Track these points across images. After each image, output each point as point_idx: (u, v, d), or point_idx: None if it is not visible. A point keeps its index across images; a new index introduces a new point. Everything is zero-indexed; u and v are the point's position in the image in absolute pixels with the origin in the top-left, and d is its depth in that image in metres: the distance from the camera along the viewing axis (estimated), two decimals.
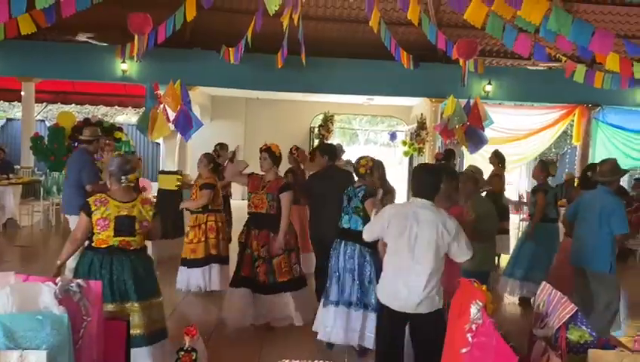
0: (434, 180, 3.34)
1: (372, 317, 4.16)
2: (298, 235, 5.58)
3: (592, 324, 4.31)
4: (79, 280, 2.10)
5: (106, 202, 3.26)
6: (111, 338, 2.27)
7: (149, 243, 3.50)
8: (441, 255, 3.18)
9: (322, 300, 4.50)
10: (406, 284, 3.14)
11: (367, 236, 3.54)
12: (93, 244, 3.25)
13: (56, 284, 2.05)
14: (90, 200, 3.29)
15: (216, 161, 6.33)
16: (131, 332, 2.73)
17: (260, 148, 4.89)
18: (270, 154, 4.82)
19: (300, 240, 5.81)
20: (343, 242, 4.39)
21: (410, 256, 3.15)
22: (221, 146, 7.31)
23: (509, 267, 6.22)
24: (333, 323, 4.34)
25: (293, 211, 5.77)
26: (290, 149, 6.81)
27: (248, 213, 4.88)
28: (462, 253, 3.21)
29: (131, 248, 3.28)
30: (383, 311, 3.38)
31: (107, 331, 2.22)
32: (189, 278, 5.83)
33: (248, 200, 4.88)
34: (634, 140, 12.40)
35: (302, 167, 6.82)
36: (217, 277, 5.80)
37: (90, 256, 3.24)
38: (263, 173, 4.88)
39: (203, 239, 5.79)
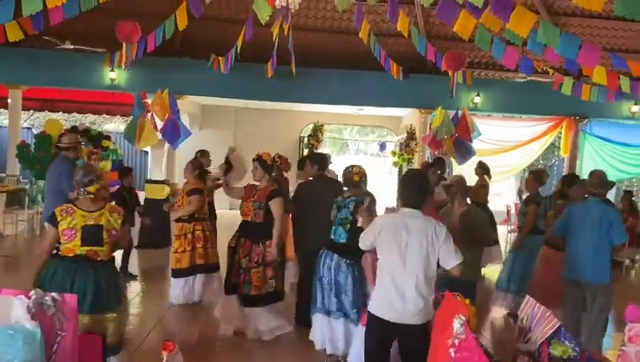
0: (421, 188, 3.35)
1: (352, 328, 4.20)
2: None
3: (586, 331, 4.38)
4: (54, 294, 2.05)
5: (72, 212, 3.23)
6: (86, 354, 2.22)
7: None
8: (433, 263, 3.16)
9: (312, 309, 4.53)
10: (401, 295, 3.12)
11: (362, 245, 3.48)
12: (59, 253, 3.22)
13: (29, 298, 2.00)
14: (57, 210, 3.26)
15: (203, 167, 6.27)
16: None
17: (253, 158, 4.95)
18: (261, 163, 4.89)
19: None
20: (326, 252, 4.45)
21: (403, 266, 3.13)
22: (202, 153, 7.23)
23: (503, 281, 6.19)
24: (320, 332, 4.40)
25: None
26: (273, 158, 6.76)
27: (241, 221, 4.95)
28: (451, 259, 3.18)
29: (98, 258, 3.25)
30: (371, 323, 3.31)
31: (82, 346, 2.16)
32: (177, 289, 5.75)
33: (240, 208, 4.96)
34: (620, 153, 12.52)
35: (285, 175, 6.80)
36: (201, 288, 5.74)
37: (55, 263, 3.21)
38: (257, 183, 4.96)
39: (189, 249, 5.71)
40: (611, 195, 11.88)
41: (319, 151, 12.84)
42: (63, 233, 3.19)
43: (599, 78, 6.91)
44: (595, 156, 12.55)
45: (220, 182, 5.92)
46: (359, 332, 3.99)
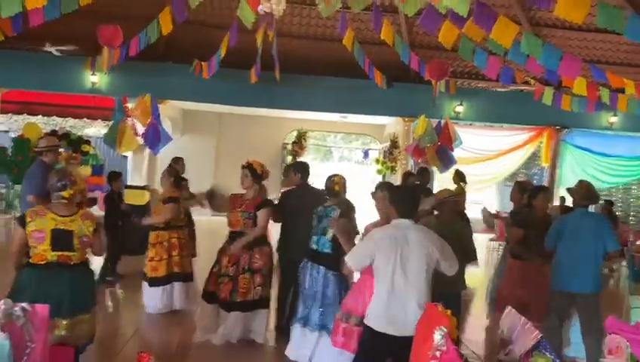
0: (415, 200, 3.44)
1: (326, 340, 4.18)
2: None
3: (589, 349, 4.37)
4: (24, 304, 1.98)
5: (43, 214, 3.20)
6: None
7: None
8: (431, 274, 3.20)
9: (292, 320, 4.53)
10: (403, 308, 3.12)
11: (355, 264, 3.36)
12: (31, 261, 3.18)
13: None
14: (27, 212, 3.23)
15: (178, 175, 6.18)
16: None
17: (242, 165, 4.88)
18: (252, 171, 4.82)
19: None
20: (310, 263, 4.41)
21: (404, 278, 3.13)
22: (176, 161, 7.15)
23: (491, 292, 6.17)
24: (297, 343, 4.40)
25: None
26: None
27: (229, 232, 4.89)
28: (452, 267, 3.27)
29: (71, 263, 3.22)
30: (369, 338, 3.27)
31: (53, 357, 2.09)
32: (155, 298, 5.65)
33: (228, 219, 4.90)
34: (600, 163, 12.71)
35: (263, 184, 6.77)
36: (180, 296, 5.67)
37: (28, 274, 3.17)
38: (243, 192, 4.88)
39: (165, 257, 5.62)
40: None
41: (302, 159, 12.81)
42: (32, 235, 3.15)
43: (579, 89, 7.02)
44: (575, 166, 12.72)
45: (202, 202, 5.85)
46: (328, 343, 4.08)
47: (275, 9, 6.14)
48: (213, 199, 5.37)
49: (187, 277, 5.78)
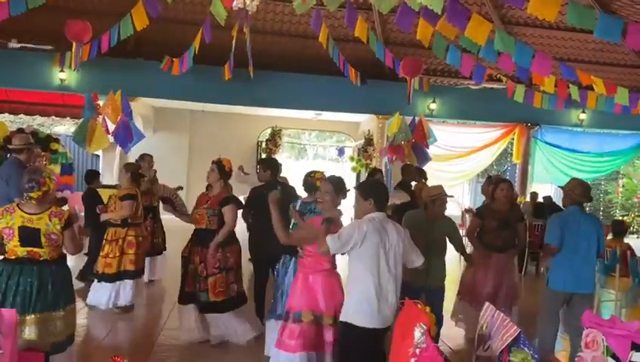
0: (387, 194, 3.59)
1: None
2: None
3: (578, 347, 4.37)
4: None
5: (13, 211, 3.31)
6: None
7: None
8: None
9: (267, 316, 4.54)
10: (385, 299, 3.16)
11: (336, 247, 3.20)
12: (6, 256, 3.32)
13: None
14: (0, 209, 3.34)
15: (137, 170, 6.07)
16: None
17: (212, 161, 4.89)
18: (219, 168, 4.81)
19: None
20: (290, 258, 4.39)
21: (388, 270, 3.20)
22: (141, 157, 7.06)
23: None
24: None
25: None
26: (239, 167, 6.68)
27: (194, 229, 4.86)
28: (418, 258, 3.42)
29: (41, 258, 3.30)
30: (357, 336, 3.19)
31: None
32: (101, 294, 5.58)
33: (192, 216, 4.90)
34: (569, 159, 12.97)
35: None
36: (128, 293, 5.61)
37: (1, 266, 3.29)
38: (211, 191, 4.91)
39: (119, 254, 5.55)
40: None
41: (276, 157, 12.73)
42: (3, 231, 3.29)
43: (549, 87, 7.13)
44: (545, 162, 12.96)
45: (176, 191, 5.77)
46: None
47: (248, 5, 6.08)
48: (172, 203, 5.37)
49: (138, 273, 5.74)
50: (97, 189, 6.95)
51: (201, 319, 4.75)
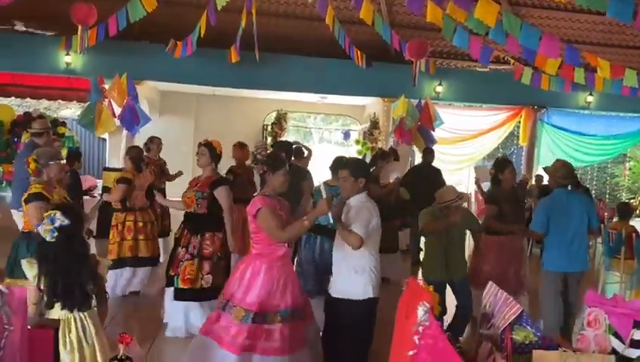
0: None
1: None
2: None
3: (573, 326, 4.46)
4: (1, 287, 1.94)
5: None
6: (37, 349, 2.12)
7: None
8: None
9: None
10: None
11: (365, 236, 3.28)
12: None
13: None
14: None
15: (141, 156, 6.05)
16: None
17: (199, 143, 4.72)
18: (210, 150, 4.61)
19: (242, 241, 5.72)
20: (313, 236, 4.66)
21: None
22: (150, 140, 7.04)
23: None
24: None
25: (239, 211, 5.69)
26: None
27: (184, 213, 4.75)
28: None
29: None
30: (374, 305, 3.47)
31: (33, 341, 2.06)
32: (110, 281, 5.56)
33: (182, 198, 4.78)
34: (576, 142, 12.89)
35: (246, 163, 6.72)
36: (126, 282, 5.57)
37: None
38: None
39: (118, 240, 5.48)
40: None
41: (284, 139, 12.73)
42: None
43: (552, 70, 7.05)
44: (552, 145, 12.89)
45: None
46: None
47: None
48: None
49: (140, 261, 5.60)
50: (103, 172, 7.01)
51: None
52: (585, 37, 11.45)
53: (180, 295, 4.49)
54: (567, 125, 12.83)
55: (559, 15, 10.95)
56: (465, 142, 13.23)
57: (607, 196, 15.50)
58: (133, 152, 5.89)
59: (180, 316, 4.56)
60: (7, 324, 1.93)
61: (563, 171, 4.50)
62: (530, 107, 12.59)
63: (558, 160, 4.77)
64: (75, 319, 2.45)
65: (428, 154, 8.28)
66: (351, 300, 3.36)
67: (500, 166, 5.35)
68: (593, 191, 13.77)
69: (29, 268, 2.46)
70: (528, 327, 2.22)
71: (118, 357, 2.06)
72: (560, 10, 10.78)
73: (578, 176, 13.77)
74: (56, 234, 2.41)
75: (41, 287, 2.44)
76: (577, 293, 4.51)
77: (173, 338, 4.56)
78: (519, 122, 13.01)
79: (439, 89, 11.93)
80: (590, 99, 12.34)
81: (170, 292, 4.59)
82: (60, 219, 2.42)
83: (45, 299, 2.41)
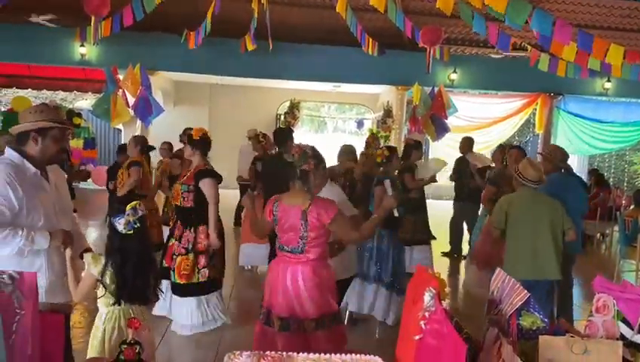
0: None
1: (383, 292, 4.68)
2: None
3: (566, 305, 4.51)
4: (12, 272, 1.98)
5: None
6: (48, 333, 2.16)
7: None
8: None
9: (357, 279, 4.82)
10: None
11: None
12: None
13: None
14: None
15: (146, 143, 6.11)
16: None
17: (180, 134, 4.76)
18: (188, 138, 4.50)
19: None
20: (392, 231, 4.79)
21: None
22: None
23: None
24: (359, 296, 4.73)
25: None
26: (257, 136, 6.69)
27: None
28: None
29: None
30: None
31: (44, 325, 2.10)
32: None
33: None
34: (593, 129, 12.70)
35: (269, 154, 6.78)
36: None
37: None
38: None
39: None
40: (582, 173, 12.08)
41: (295, 130, 12.75)
42: None
43: (569, 55, 6.92)
44: (568, 132, 12.71)
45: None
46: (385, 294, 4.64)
47: None
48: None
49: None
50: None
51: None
52: (603, 21, 11.22)
53: (177, 289, 4.44)
54: (585, 112, 12.63)
55: (575, 0, 10.74)
56: (480, 130, 13.08)
57: (625, 184, 15.27)
58: (140, 140, 5.97)
59: (183, 313, 4.49)
60: (19, 308, 1.97)
61: (559, 154, 4.64)
62: (546, 94, 12.42)
63: (551, 144, 4.86)
64: (122, 311, 2.49)
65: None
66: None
67: (509, 150, 5.47)
68: (611, 179, 13.59)
69: (95, 263, 2.47)
70: (535, 313, 2.21)
71: (127, 341, 2.10)
72: None
73: (595, 163, 13.70)
74: (137, 225, 2.42)
75: (106, 281, 2.46)
76: (570, 274, 4.72)
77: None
78: (535, 109, 12.85)
79: (454, 76, 11.82)
80: (608, 85, 12.12)
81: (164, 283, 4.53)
82: (142, 210, 2.45)
83: (110, 291, 2.45)
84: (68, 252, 2.59)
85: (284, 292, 3.07)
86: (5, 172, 2.47)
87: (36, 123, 2.57)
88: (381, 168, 4.99)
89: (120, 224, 2.43)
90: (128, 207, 2.46)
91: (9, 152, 2.60)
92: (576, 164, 12.53)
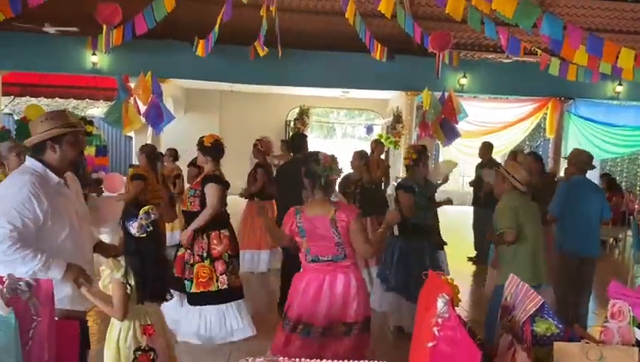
0: None
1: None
2: (263, 232, 5.77)
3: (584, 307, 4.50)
4: (29, 279, 2.00)
5: None
6: (63, 339, 2.18)
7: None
8: None
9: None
10: None
11: None
12: None
13: (2, 283, 1.95)
14: None
15: (154, 152, 6.17)
16: None
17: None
18: (199, 145, 4.50)
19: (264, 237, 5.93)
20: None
21: None
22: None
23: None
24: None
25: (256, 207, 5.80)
26: (255, 144, 6.67)
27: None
28: None
29: None
30: None
31: (59, 331, 2.13)
32: None
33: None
34: (605, 133, 12.59)
35: (267, 159, 6.79)
36: None
37: None
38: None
39: None
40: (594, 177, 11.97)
41: (304, 134, 12.77)
42: None
43: (581, 60, 6.89)
44: (579, 136, 12.62)
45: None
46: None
47: None
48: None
49: None
50: (129, 169, 7.13)
51: (183, 309, 4.43)
52: (614, 25, 11.16)
53: (194, 300, 4.35)
54: (596, 116, 12.53)
55: (586, 3, 10.70)
56: (491, 135, 13.01)
57: (637, 188, 15.11)
58: (147, 149, 5.99)
59: (195, 320, 4.40)
60: (35, 315, 1.99)
61: (583, 158, 4.66)
62: (556, 98, 12.35)
63: (574, 148, 4.87)
64: (138, 316, 2.50)
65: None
66: None
67: (516, 155, 5.49)
68: (623, 183, 13.46)
69: (117, 268, 2.48)
70: (550, 319, 2.19)
71: (142, 347, 2.11)
72: None
73: (607, 167, 13.58)
74: (150, 229, 2.45)
75: (131, 283, 2.47)
76: (590, 280, 4.71)
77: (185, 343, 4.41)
78: (546, 114, 12.78)
79: (463, 81, 11.80)
80: (619, 89, 12.04)
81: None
82: (155, 214, 2.48)
83: (135, 293, 2.45)
84: (83, 289, 2.55)
85: (328, 301, 3.07)
86: (30, 183, 2.46)
87: (49, 131, 2.57)
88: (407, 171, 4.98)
89: (133, 228, 2.46)
90: (141, 211, 2.49)
91: (32, 162, 2.60)
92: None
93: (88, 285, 2.53)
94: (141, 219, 2.46)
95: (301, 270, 3.25)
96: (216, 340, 4.41)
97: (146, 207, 2.50)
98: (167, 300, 2.62)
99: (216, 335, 4.41)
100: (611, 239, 9.54)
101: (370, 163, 6.48)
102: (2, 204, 2.43)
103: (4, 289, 1.94)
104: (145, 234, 2.46)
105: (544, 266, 3.95)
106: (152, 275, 2.47)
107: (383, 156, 7.71)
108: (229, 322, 4.42)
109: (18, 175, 2.56)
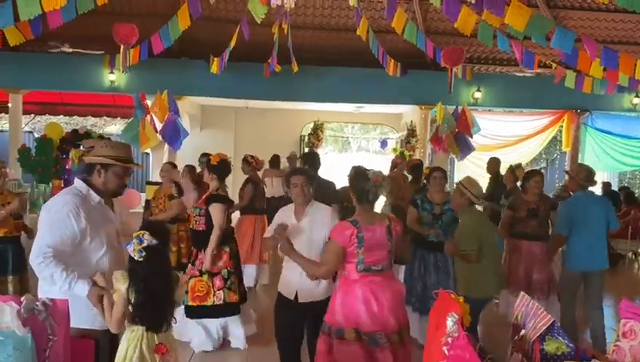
0: None
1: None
2: (251, 246, 5.84)
3: (598, 320, 4.43)
4: (45, 299, 2.05)
5: None
6: (78, 358, 2.22)
7: None
8: None
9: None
10: None
11: None
12: None
13: (20, 303, 2.01)
14: None
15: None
16: None
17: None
18: (206, 163, 4.61)
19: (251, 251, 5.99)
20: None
21: None
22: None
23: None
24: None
25: (247, 222, 5.98)
26: (245, 158, 6.55)
27: None
28: None
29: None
30: None
31: (74, 350, 2.17)
32: None
33: None
34: (622, 145, 12.45)
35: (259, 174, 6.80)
36: None
37: None
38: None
39: (174, 249, 5.78)
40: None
41: (320, 150, 12.83)
42: None
43: (596, 72, 6.87)
44: (596, 149, 12.49)
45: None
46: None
47: (286, 1, 6.15)
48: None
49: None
50: (146, 186, 7.21)
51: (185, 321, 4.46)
52: (629, 37, 11.10)
53: (189, 312, 4.43)
54: (613, 128, 12.41)
55: (600, 16, 10.66)
56: (506, 149, 12.96)
57: None
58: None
59: (197, 329, 4.49)
60: (51, 334, 2.04)
61: (585, 173, 4.65)
62: (572, 111, 12.27)
63: (578, 163, 4.85)
64: (145, 336, 2.45)
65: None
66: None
67: (528, 175, 5.50)
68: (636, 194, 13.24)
69: (123, 280, 2.48)
70: (560, 338, 2.18)
71: None
72: (602, 11, 10.50)
73: (626, 180, 13.39)
74: (144, 254, 2.43)
75: (131, 300, 2.45)
76: (600, 291, 4.68)
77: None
78: (562, 127, 12.69)
79: (477, 95, 11.79)
80: (636, 101, 11.93)
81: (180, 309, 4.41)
82: (148, 240, 2.47)
83: (131, 311, 2.42)
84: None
85: (387, 308, 3.10)
86: (73, 203, 2.63)
87: (103, 158, 2.76)
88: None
89: (130, 251, 2.47)
90: (134, 235, 2.47)
91: (78, 183, 2.78)
92: (607, 179, 12.24)
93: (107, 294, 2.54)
94: (133, 243, 2.43)
95: (337, 284, 3.23)
96: (207, 347, 4.50)
97: (138, 232, 2.48)
98: (164, 329, 2.54)
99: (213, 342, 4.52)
100: (630, 253, 9.39)
101: (394, 177, 6.53)
102: (43, 222, 2.60)
103: (22, 310, 1.99)
104: (142, 259, 2.44)
105: (497, 278, 4.18)
106: (147, 298, 2.43)
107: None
108: (222, 336, 4.57)
109: (63, 195, 2.74)
